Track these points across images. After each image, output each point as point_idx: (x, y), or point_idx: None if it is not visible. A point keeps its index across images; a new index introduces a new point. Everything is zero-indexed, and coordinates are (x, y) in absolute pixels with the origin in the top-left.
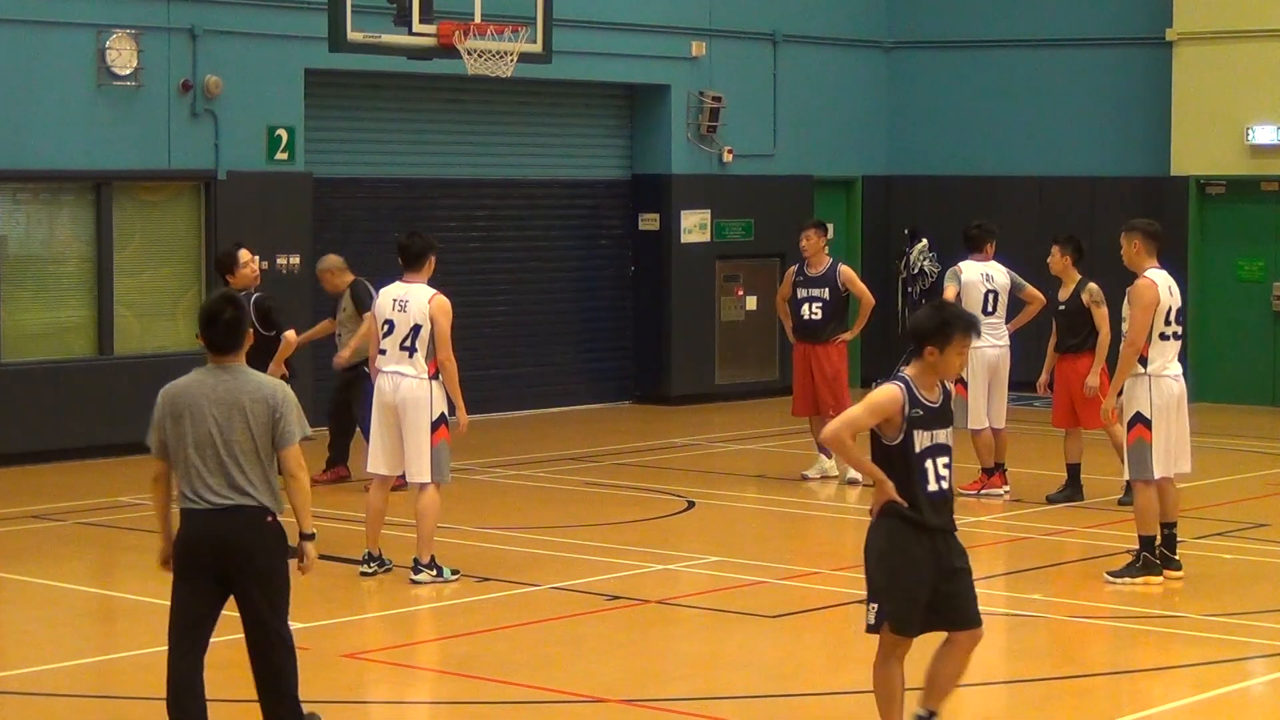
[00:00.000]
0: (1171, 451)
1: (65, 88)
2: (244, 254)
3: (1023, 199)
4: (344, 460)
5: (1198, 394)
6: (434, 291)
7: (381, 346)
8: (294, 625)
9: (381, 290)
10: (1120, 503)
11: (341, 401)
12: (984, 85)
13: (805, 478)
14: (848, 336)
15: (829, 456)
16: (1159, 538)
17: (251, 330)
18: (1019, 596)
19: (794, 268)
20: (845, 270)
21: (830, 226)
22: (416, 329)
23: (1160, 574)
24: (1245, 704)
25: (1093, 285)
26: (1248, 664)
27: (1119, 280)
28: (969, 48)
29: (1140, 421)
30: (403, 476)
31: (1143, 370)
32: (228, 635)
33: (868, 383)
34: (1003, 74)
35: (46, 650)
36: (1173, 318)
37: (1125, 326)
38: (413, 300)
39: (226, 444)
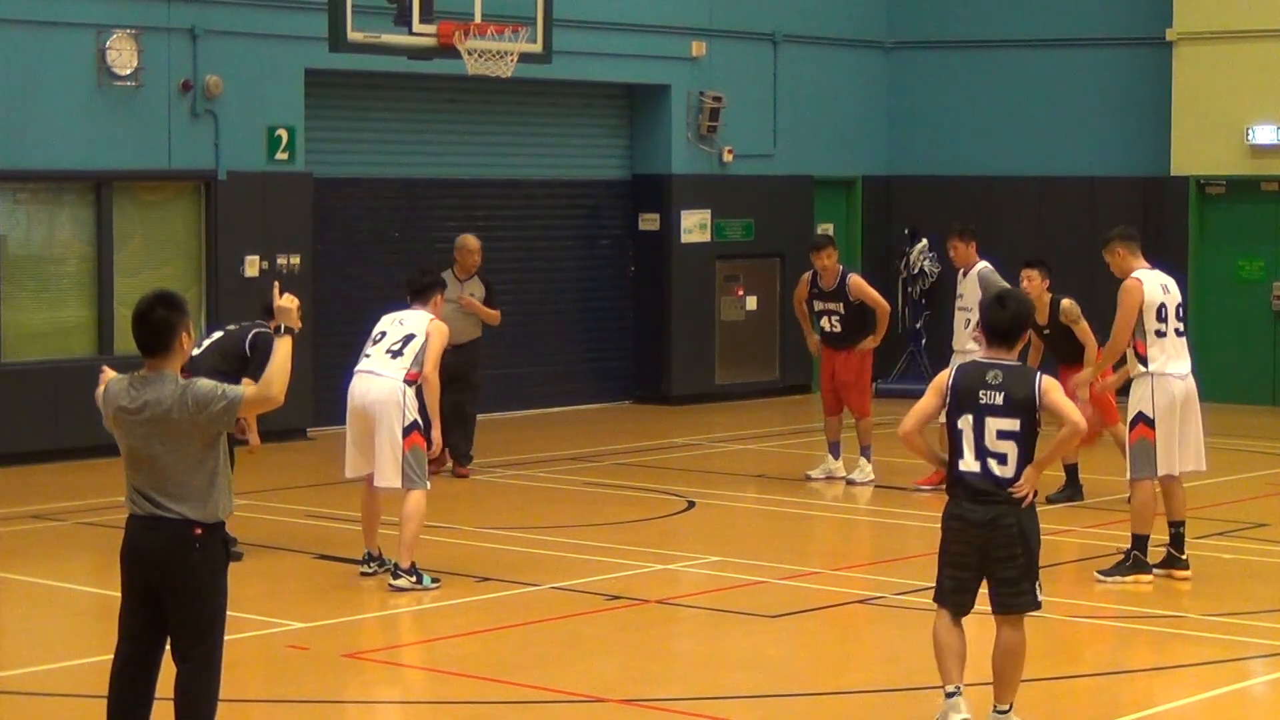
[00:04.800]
0: (1175, 451)
1: (66, 88)
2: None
3: (1023, 199)
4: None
5: (1198, 394)
6: (431, 316)
7: (366, 352)
8: (294, 625)
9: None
10: (1130, 501)
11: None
12: (984, 85)
13: (809, 478)
14: (869, 345)
15: (837, 457)
16: (1167, 537)
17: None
18: None
19: (808, 275)
20: (854, 281)
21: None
22: (409, 338)
23: (1150, 573)
24: (1246, 704)
25: (1065, 302)
26: (1248, 664)
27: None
28: (969, 48)
29: (1142, 421)
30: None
31: (1145, 370)
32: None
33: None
34: (1003, 74)
35: (47, 650)
36: (1168, 315)
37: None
38: (413, 317)
39: (149, 457)
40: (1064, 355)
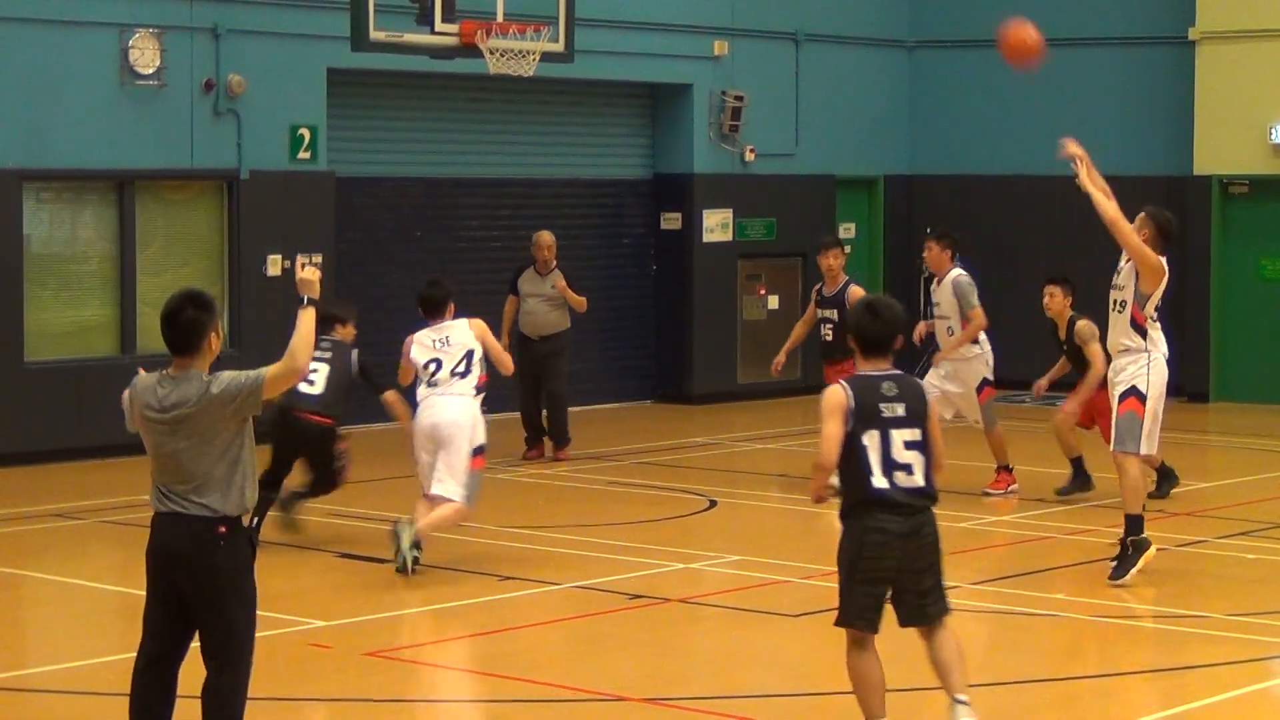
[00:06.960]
0: (1158, 432)
1: (88, 87)
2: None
3: (1045, 198)
4: (540, 438)
5: (1220, 393)
6: (466, 320)
7: (433, 381)
8: (316, 623)
9: (414, 341)
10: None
11: (533, 378)
12: (1006, 84)
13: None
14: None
15: None
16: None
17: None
18: (1041, 595)
19: (817, 287)
20: (853, 292)
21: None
22: (470, 354)
23: (1151, 545)
24: (1267, 704)
25: (1081, 323)
26: (1270, 664)
27: None
28: (991, 47)
29: (1134, 395)
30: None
31: (1143, 344)
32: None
33: None
34: (1025, 73)
35: (69, 648)
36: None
37: (1121, 296)
38: (453, 333)
39: (173, 454)
40: (1084, 369)
